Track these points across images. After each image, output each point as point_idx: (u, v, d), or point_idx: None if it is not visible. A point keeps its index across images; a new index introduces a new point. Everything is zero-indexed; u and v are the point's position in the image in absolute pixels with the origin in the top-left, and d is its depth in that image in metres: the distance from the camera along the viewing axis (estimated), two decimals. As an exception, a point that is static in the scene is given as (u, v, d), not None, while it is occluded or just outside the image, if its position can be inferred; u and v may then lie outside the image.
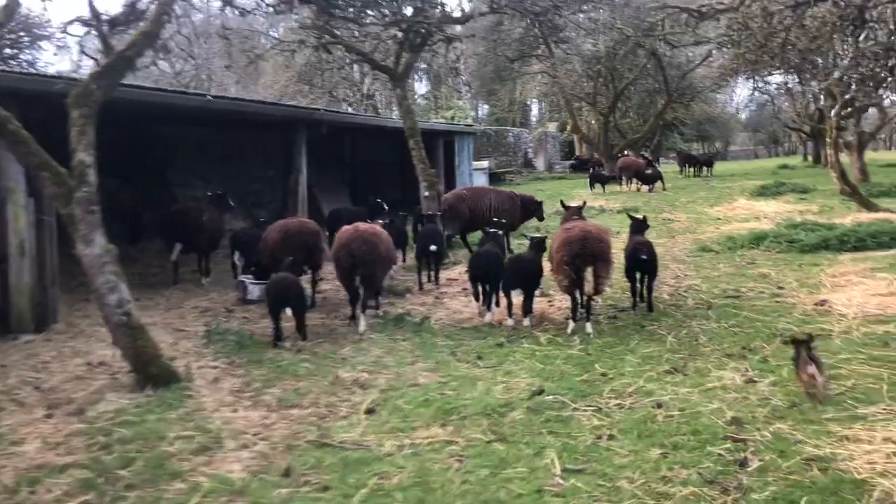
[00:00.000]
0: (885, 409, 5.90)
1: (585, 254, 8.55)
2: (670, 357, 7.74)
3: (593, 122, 41.40)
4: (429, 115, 60.00)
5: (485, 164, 31.54)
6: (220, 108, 12.68)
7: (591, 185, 30.64)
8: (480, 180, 30.43)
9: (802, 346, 6.39)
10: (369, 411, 6.49)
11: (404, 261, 13.66)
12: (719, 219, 19.09)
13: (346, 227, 10.10)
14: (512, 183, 38.89)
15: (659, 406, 6.31)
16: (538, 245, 9.81)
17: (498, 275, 9.67)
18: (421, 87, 69.70)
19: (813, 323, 8.73)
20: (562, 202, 11.03)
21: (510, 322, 9.50)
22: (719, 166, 45.78)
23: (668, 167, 49.32)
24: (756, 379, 6.88)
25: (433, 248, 11.93)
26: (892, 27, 14.62)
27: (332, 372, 7.65)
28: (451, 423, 6.14)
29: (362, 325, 9.35)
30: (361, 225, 10.08)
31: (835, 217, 17.15)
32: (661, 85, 37.35)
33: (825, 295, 9.86)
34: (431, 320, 9.75)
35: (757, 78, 29.33)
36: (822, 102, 30.32)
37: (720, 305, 9.85)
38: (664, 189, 29.92)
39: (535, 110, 76.04)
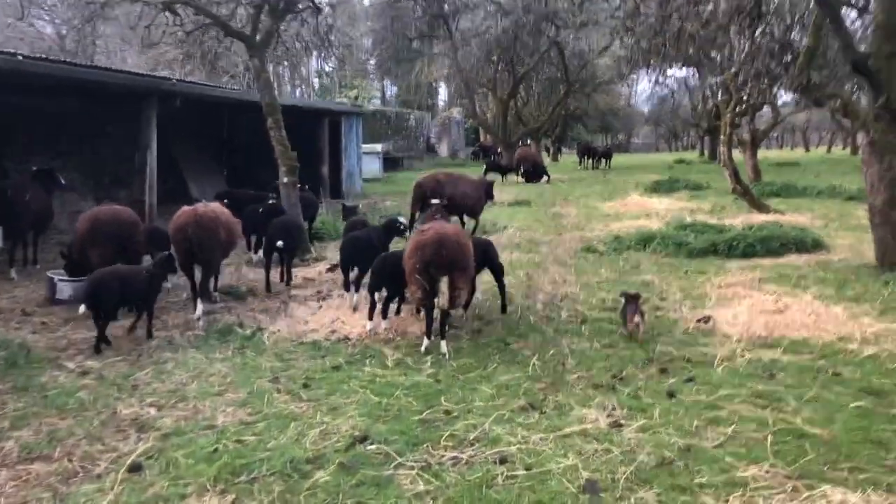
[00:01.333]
0: (768, 472, 4.86)
1: (440, 261, 7.27)
2: (529, 388, 6.56)
3: (493, 108, 40.48)
4: (330, 94, 57.95)
5: (378, 147, 30.01)
6: (35, 71, 10.73)
7: (485, 174, 29.61)
8: (373, 165, 28.93)
9: (632, 300, 8.01)
10: (134, 468, 5.01)
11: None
12: (609, 215, 18.29)
13: (184, 209, 9.28)
14: (410, 169, 37.61)
15: (502, 462, 5.09)
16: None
17: (367, 264, 8.72)
18: (323, 64, 67.67)
19: (694, 345, 7.75)
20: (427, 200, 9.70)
21: (369, 325, 8.23)
22: (620, 158, 45.91)
23: (568, 158, 49.18)
24: (623, 422, 5.76)
25: (280, 244, 10.42)
26: (788, 22, 13.95)
27: (111, 405, 6.12)
28: (235, 489, 4.74)
29: (199, 310, 8.76)
30: (200, 207, 9.00)
31: (726, 217, 16.58)
32: (562, 74, 36.66)
33: (709, 310, 8.93)
34: (265, 333, 8.27)
35: (656, 70, 28.85)
36: (718, 98, 30.22)
37: (595, 319, 8.78)
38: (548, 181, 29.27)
39: (443, 94, 74.94)
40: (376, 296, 8.36)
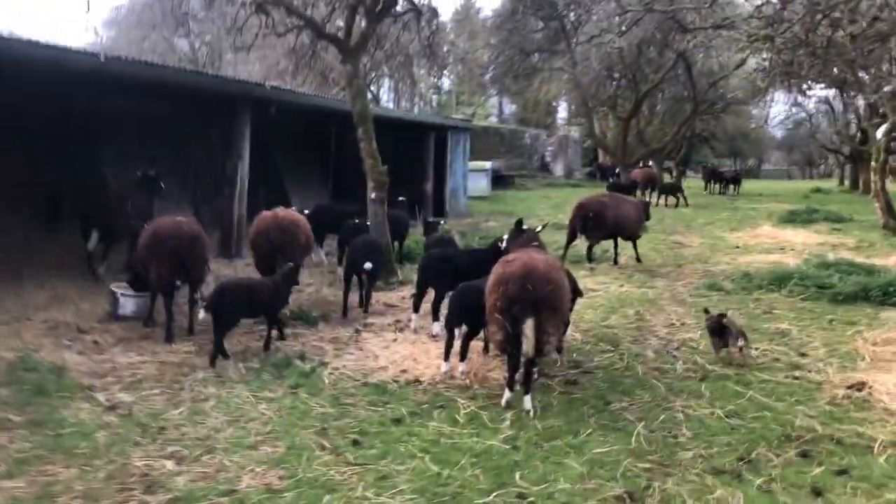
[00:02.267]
0: None
1: (526, 299, 6.00)
2: (630, 468, 5.20)
3: (612, 126, 38.61)
4: (447, 111, 57.58)
5: (487, 164, 28.90)
6: (117, 70, 10.23)
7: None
8: (480, 182, 27.86)
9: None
10: (117, 548, 4.02)
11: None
12: (738, 247, 16.37)
13: (264, 213, 9.83)
14: (521, 188, 36.37)
15: (584, 585, 3.79)
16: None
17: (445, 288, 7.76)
18: (443, 81, 67.57)
19: (844, 420, 6.13)
20: (517, 223, 8.40)
21: (444, 367, 7.08)
22: (749, 184, 43.01)
23: (693, 182, 46.51)
24: (753, 533, 4.33)
25: (368, 265, 9.42)
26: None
27: (126, 452, 5.20)
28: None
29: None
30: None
31: (875, 256, 14.41)
32: (689, 92, 34.49)
33: (863, 373, 7.23)
34: (326, 369, 7.23)
35: (793, 90, 26.49)
36: (866, 121, 27.44)
37: (718, 377, 7.24)
38: (686, 205, 27.28)
39: (562, 112, 73.26)
40: (455, 332, 7.18)
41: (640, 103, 32.96)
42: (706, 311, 7.87)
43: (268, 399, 6.36)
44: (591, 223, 13.57)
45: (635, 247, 14.28)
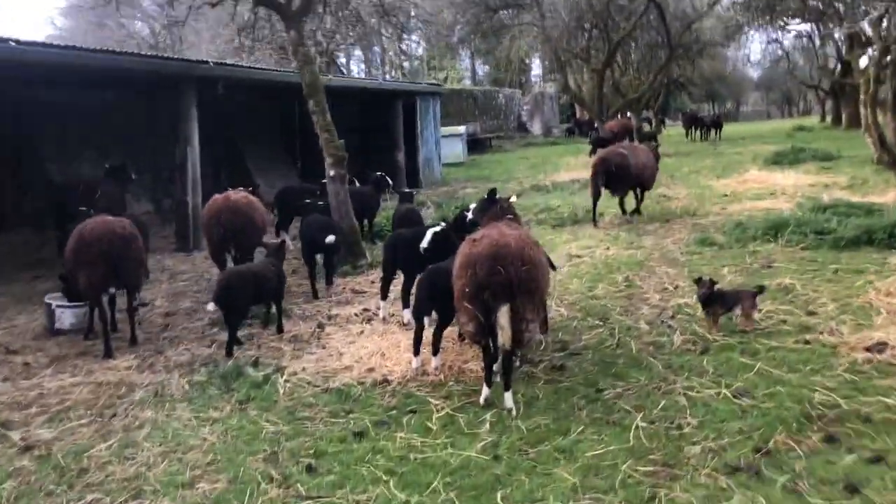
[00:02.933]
0: None
1: (497, 283, 5.18)
2: (630, 472, 4.44)
3: (587, 79, 37.55)
4: (418, 76, 56.17)
5: (461, 129, 27.89)
6: (39, 59, 9.23)
7: (592, 152, 26.97)
8: (455, 148, 26.91)
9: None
10: None
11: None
12: (726, 195, 15.59)
13: (215, 197, 9.32)
14: (499, 150, 35.42)
15: None
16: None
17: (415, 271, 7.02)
18: (413, 47, 65.99)
19: (867, 390, 5.38)
20: (489, 193, 7.50)
21: (415, 362, 6.32)
22: (729, 128, 42.30)
23: (673, 130, 45.63)
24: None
25: (330, 239, 8.65)
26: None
27: (34, 509, 4.38)
28: None
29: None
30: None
31: (871, 194, 13.70)
32: (663, 38, 33.42)
33: (881, 331, 6.48)
34: (283, 375, 6.41)
35: (772, 25, 25.60)
36: (848, 53, 26.61)
37: (721, 348, 6.48)
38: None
39: (536, 69, 71.82)
40: (425, 321, 6.37)
41: (613, 53, 31.89)
42: (698, 280, 7.07)
43: (211, 420, 5.53)
44: (614, 176, 12.97)
45: (642, 198, 13.70)
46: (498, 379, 5.65)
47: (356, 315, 8.23)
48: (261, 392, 6.05)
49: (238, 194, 9.39)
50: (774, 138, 32.27)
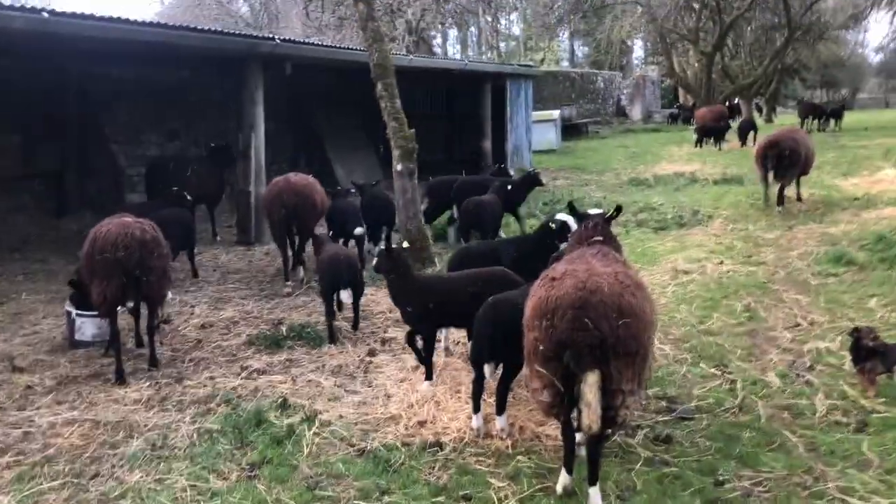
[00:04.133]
0: None
1: (584, 342, 3.75)
2: None
3: (695, 63, 34.98)
4: (514, 57, 54.29)
5: (554, 113, 26.13)
6: (73, 32, 8.29)
7: (699, 142, 24.90)
8: (548, 134, 25.22)
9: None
10: None
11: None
12: (858, 199, 13.47)
13: (275, 180, 9.42)
14: (595, 136, 33.45)
15: None
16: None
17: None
18: (510, 27, 64.14)
19: None
20: (570, 204, 5.94)
21: (475, 422, 4.95)
22: (849, 117, 38.83)
23: (786, 119, 42.32)
24: None
25: (359, 231, 7.70)
26: None
27: None
28: None
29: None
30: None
31: None
32: (780, 19, 30.66)
33: None
34: (314, 425, 5.16)
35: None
36: None
37: (884, 423, 4.85)
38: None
39: (638, 51, 68.69)
40: (486, 369, 4.98)
41: (724, 35, 29.46)
42: (855, 331, 5.39)
43: (210, 494, 4.34)
44: (786, 161, 12.20)
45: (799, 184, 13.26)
46: (582, 453, 4.24)
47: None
48: (280, 452, 4.81)
49: (297, 176, 9.39)
50: (904, 130, 29.17)
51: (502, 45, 61.14)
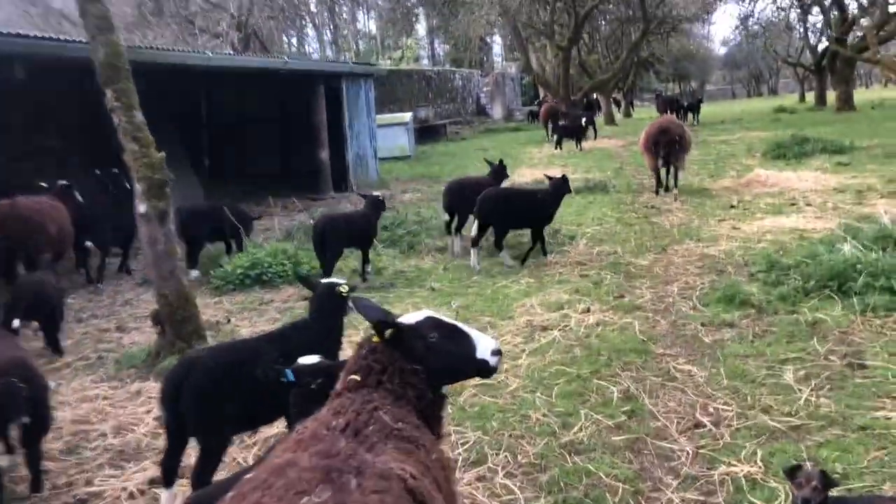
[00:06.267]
0: None
1: None
2: None
3: (552, 58, 33.76)
4: (371, 56, 51.79)
5: (406, 116, 23.91)
6: None
7: (558, 143, 23.48)
8: (399, 139, 22.98)
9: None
10: None
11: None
12: (733, 206, 12.02)
13: None
14: (454, 139, 31.59)
15: None
16: None
17: None
18: (368, 24, 61.73)
19: None
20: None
21: None
22: (703, 110, 38.97)
23: (644, 112, 42.10)
24: None
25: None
26: None
27: None
28: None
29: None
30: None
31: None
32: (635, 11, 29.86)
33: None
34: None
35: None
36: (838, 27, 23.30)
37: None
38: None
39: (498, 49, 67.86)
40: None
41: (579, 28, 28.25)
42: (792, 470, 3.34)
43: None
44: (677, 147, 12.62)
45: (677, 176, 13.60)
46: None
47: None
48: None
49: (29, 198, 8.45)
50: (757, 122, 29.01)
51: (361, 44, 58.60)
